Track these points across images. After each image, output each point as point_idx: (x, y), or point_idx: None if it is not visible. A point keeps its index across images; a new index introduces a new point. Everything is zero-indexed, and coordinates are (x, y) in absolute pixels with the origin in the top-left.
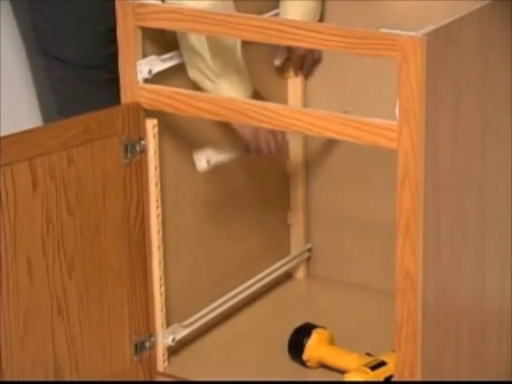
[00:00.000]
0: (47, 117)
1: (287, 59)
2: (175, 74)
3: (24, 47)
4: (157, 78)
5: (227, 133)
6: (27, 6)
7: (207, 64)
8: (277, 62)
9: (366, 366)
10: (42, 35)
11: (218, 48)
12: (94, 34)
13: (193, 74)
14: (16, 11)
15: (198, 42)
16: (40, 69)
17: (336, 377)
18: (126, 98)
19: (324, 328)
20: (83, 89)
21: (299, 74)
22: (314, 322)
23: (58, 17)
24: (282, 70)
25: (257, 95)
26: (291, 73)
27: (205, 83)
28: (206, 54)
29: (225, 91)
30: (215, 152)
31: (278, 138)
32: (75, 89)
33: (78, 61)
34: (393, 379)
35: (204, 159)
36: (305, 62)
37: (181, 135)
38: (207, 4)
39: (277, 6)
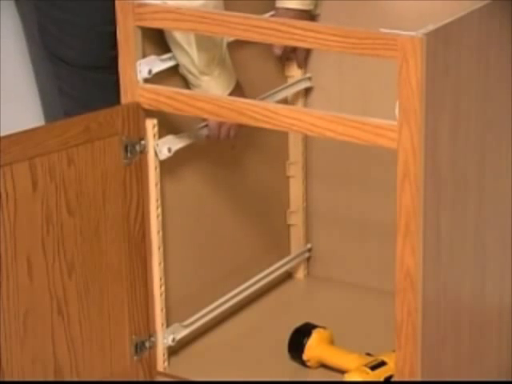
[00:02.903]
0: (51, 118)
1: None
2: (175, 74)
3: (28, 49)
4: (157, 78)
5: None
6: (33, 8)
7: (192, 60)
8: (277, 51)
9: (366, 366)
10: (47, 37)
11: (205, 45)
12: (100, 35)
13: (180, 68)
14: (22, 13)
15: (184, 39)
16: (45, 71)
17: (336, 377)
18: (125, 98)
19: (324, 328)
20: (89, 90)
21: (295, 61)
22: (313, 322)
23: (64, 18)
24: (282, 68)
25: (239, 87)
26: (291, 71)
27: (188, 77)
28: (193, 52)
29: (206, 86)
30: (177, 139)
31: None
32: (81, 90)
33: (84, 62)
34: (393, 379)
35: (166, 148)
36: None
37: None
38: (199, 3)
39: None
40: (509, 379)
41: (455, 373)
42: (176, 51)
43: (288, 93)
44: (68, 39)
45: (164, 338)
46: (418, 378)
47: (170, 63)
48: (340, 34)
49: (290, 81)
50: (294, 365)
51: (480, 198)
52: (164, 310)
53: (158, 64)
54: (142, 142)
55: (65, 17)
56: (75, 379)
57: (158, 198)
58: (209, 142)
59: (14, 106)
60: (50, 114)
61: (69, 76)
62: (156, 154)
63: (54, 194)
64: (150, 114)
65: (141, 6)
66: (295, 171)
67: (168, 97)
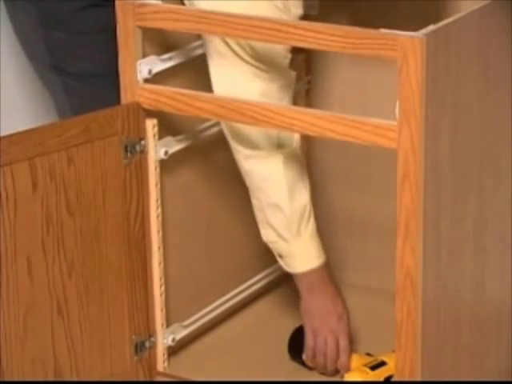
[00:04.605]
0: None
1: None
2: (175, 74)
3: (35, 68)
4: (157, 78)
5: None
6: (37, 26)
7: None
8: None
9: (365, 365)
10: (56, 53)
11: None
12: (111, 40)
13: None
14: (21, 34)
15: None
16: (55, 86)
17: (336, 377)
18: (125, 98)
19: None
20: (101, 99)
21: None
22: None
23: (75, 31)
24: None
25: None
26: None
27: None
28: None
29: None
30: (175, 140)
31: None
32: (93, 100)
33: (96, 70)
34: (393, 379)
35: (162, 151)
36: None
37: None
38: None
39: None
40: (509, 379)
41: (455, 373)
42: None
43: None
44: (76, 50)
45: (164, 338)
46: (418, 378)
47: (170, 63)
48: (340, 33)
49: None
50: (294, 365)
51: (480, 198)
52: (164, 310)
53: (158, 64)
54: (142, 142)
55: (75, 29)
56: (75, 379)
57: (158, 198)
58: (209, 143)
59: (12, 105)
60: None
61: (79, 88)
62: (155, 153)
63: (54, 194)
64: (150, 114)
65: (141, 5)
66: None
67: (168, 97)
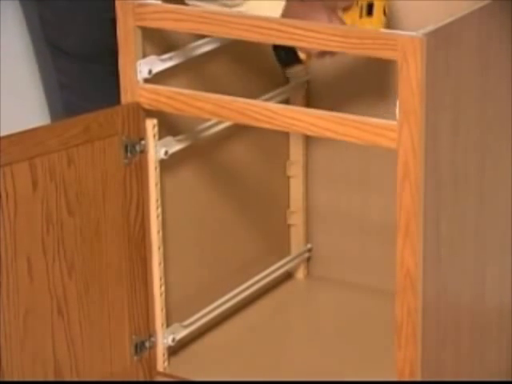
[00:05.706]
0: (54, 114)
1: None
2: (175, 74)
3: (33, 47)
4: (157, 78)
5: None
6: (34, 1)
7: None
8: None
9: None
10: (48, 28)
11: None
12: (100, 22)
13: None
14: (25, 9)
15: None
16: (46, 65)
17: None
18: (125, 97)
19: None
20: (89, 82)
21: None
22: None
23: (63, 6)
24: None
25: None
26: (292, 72)
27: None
28: None
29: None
30: (175, 140)
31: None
32: (81, 82)
33: (84, 51)
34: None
35: (162, 151)
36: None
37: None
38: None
39: None
40: (509, 379)
41: (455, 373)
42: None
43: (289, 93)
44: (68, 28)
45: (164, 338)
46: (418, 378)
47: (170, 63)
48: (340, 33)
49: (291, 81)
50: (294, 365)
51: (480, 198)
52: (164, 310)
53: (158, 64)
54: (142, 142)
55: (64, 5)
56: (75, 379)
57: (158, 198)
58: (209, 142)
59: (16, 104)
60: (53, 109)
61: (69, 68)
62: (155, 153)
63: (54, 194)
64: (150, 114)
65: (141, 5)
66: (295, 171)
67: (168, 97)
